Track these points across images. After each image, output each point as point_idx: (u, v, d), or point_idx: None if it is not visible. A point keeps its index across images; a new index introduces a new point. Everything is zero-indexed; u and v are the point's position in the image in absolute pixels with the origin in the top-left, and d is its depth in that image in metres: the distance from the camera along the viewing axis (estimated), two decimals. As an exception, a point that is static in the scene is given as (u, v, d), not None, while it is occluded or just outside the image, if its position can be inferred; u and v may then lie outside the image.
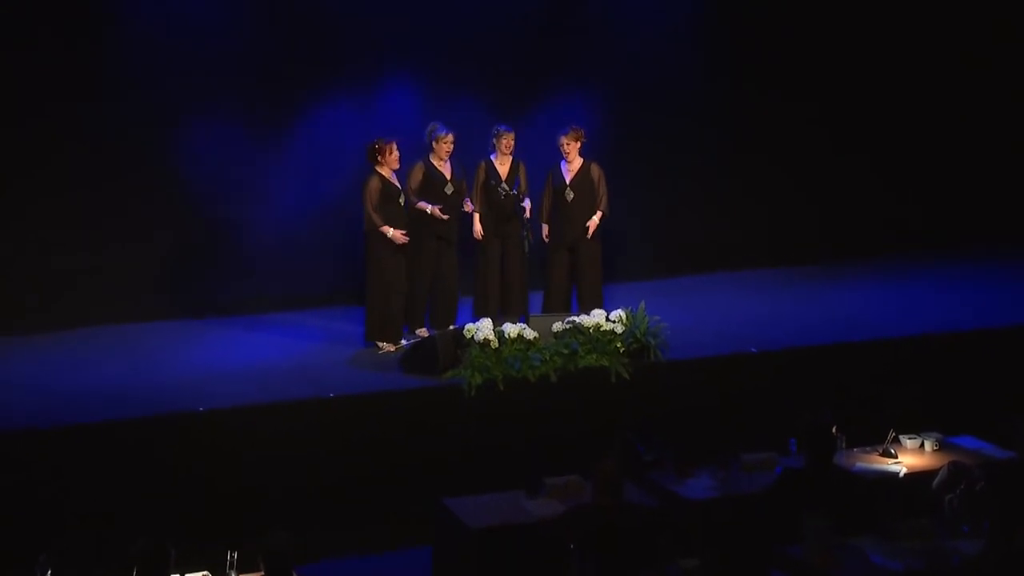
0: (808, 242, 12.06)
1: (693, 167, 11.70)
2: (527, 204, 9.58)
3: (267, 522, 6.69)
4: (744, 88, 11.73)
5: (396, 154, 9.27)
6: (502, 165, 9.83)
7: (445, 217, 9.47)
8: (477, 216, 9.82)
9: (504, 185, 9.67)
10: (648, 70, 11.47)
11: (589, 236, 9.74)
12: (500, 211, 9.78)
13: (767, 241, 11.97)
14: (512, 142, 9.76)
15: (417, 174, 9.60)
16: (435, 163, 9.63)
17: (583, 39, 11.29)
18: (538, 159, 10.00)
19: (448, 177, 9.65)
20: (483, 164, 9.86)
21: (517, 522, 6.88)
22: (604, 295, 9.86)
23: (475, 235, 9.82)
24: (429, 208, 9.42)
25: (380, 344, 9.35)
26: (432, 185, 9.61)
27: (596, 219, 9.75)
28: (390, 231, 9.19)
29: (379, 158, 9.24)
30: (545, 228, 9.90)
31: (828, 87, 12.01)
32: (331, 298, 10.69)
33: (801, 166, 12.06)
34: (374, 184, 9.21)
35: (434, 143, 9.58)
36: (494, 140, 9.80)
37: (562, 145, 9.73)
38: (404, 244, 9.28)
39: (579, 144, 9.75)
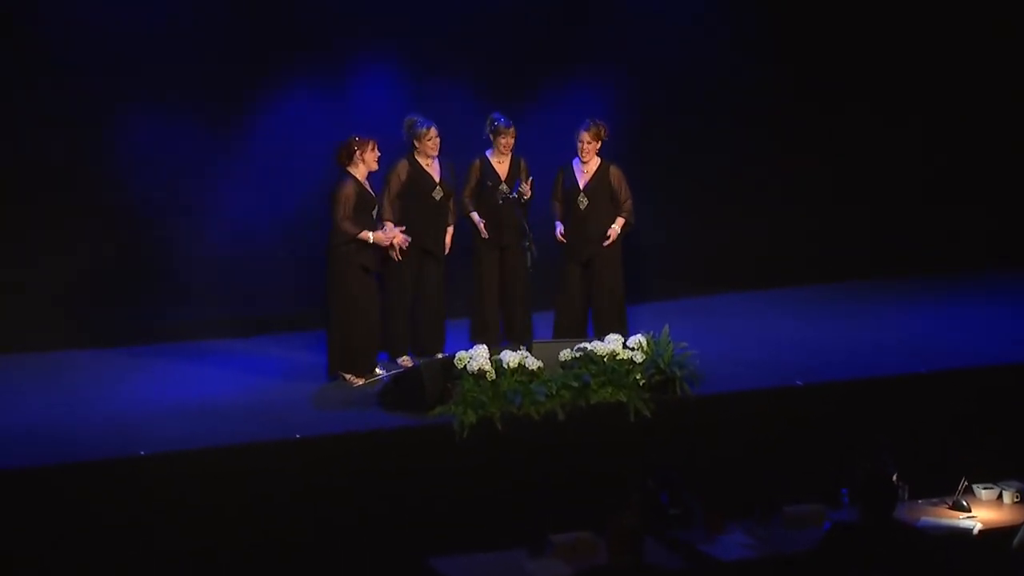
0: (860, 255, 12.14)
1: (726, 170, 11.79)
2: (524, 187, 9.56)
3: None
4: (787, 81, 11.84)
5: (376, 154, 9.31)
6: (500, 163, 9.88)
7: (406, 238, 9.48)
8: (476, 215, 9.86)
9: (504, 187, 9.72)
10: (674, 55, 11.55)
11: (608, 244, 9.78)
12: (498, 218, 9.84)
13: (813, 255, 12.05)
14: (510, 141, 9.81)
15: (401, 174, 9.65)
16: (421, 162, 9.69)
17: (596, 16, 11.38)
18: (538, 157, 10.07)
19: (437, 180, 9.70)
20: (478, 163, 9.90)
21: (517, 587, 6.87)
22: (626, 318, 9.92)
23: (481, 234, 9.83)
24: (372, 236, 9.44)
25: (347, 377, 9.39)
26: (417, 189, 9.65)
27: (618, 226, 9.80)
28: (371, 236, 9.21)
29: (354, 159, 9.27)
30: (560, 228, 9.94)
31: (885, 83, 12.12)
32: (294, 323, 10.73)
33: (851, 170, 12.15)
34: (348, 190, 9.21)
35: (416, 141, 9.64)
36: (491, 135, 9.85)
37: (581, 142, 9.77)
38: (375, 260, 9.29)
39: (599, 143, 9.80)
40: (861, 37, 12.05)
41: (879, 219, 12.27)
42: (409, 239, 9.37)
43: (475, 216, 9.85)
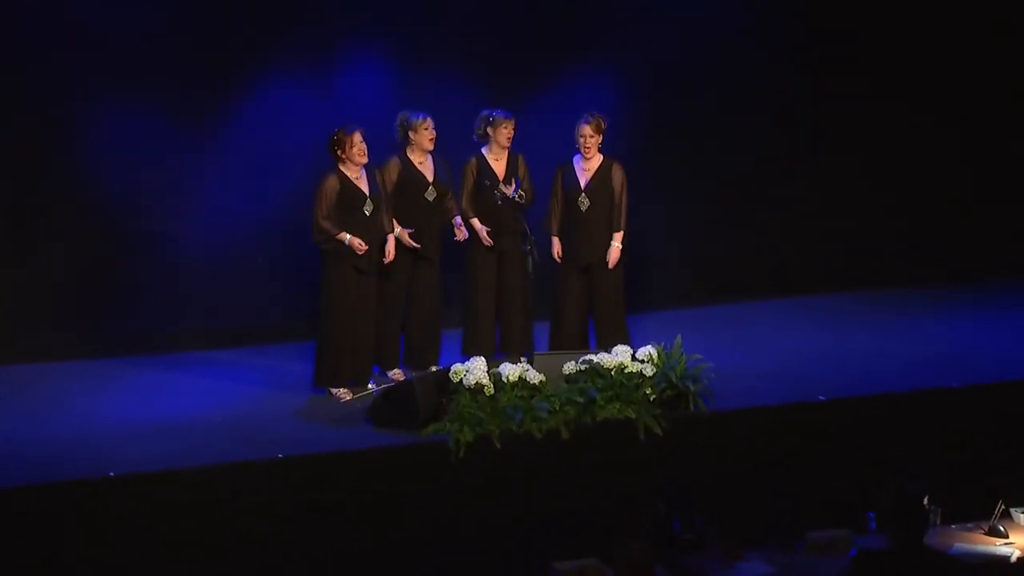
0: (889, 261, 12.15)
1: (742, 168, 11.80)
2: (515, 188, 9.59)
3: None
4: (812, 72, 11.85)
5: (360, 146, 9.30)
6: (498, 161, 9.89)
7: (416, 245, 9.52)
8: (477, 220, 9.86)
9: (502, 186, 9.71)
10: (686, 43, 11.56)
11: (610, 265, 9.79)
12: (496, 220, 9.84)
13: (838, 260, 12.06)
14: (511, 132, 9.82)
15: (392, 173, 9.65)
16: (413, 160, 9.69)
17: (599, 1, 11.38)
18: (537, 155, 10.07)
19: (430, 179, 9.70)
20: (474, 160, 9.90)
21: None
22: (630, 327, 9.90)
23: (483, 240, 9.83)
24: (398, 230, 9.51)
25: (333, 391, 9.39)
26: (409, 189, 9.66)
27: (616, 244, 9.78)
28: (347, 238, 9.23)
29: (339, 154, 9.28)
30: (556, 243, 9.95)
31: (919, 77, 12.13)
32: (278, 333, 10.74)
33: (880, 169, 12.15)
34: (330, 185, 9.24)
35: (412, 133, 9.64)
36: (488, 130, 9.85)
37: (583, 137, 9.75)
38: (368, 261, 9.30)
39: (600, 136, 9.80)
40: (901, 27, 12.04)
41: (911, 222, 12.28)
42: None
43: (476, 223, 9.84)
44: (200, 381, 9.93)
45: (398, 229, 9.54)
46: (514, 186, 9.72)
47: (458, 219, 9.82)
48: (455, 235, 9.81)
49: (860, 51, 11.97)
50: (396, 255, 9.57)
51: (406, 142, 9.67)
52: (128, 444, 8.58)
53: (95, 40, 10.29)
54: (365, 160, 9.34)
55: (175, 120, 10.58)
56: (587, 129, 9.71)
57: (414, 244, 9.58)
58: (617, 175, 9.82)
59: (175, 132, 10.60)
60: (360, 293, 9.36)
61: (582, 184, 9.81)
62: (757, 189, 11.89)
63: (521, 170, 9.86)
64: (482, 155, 9.90)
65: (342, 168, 9.29)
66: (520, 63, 11.15)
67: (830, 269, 12.05)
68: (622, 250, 9.81)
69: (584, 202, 9.81)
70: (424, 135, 9.60)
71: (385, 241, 9.47)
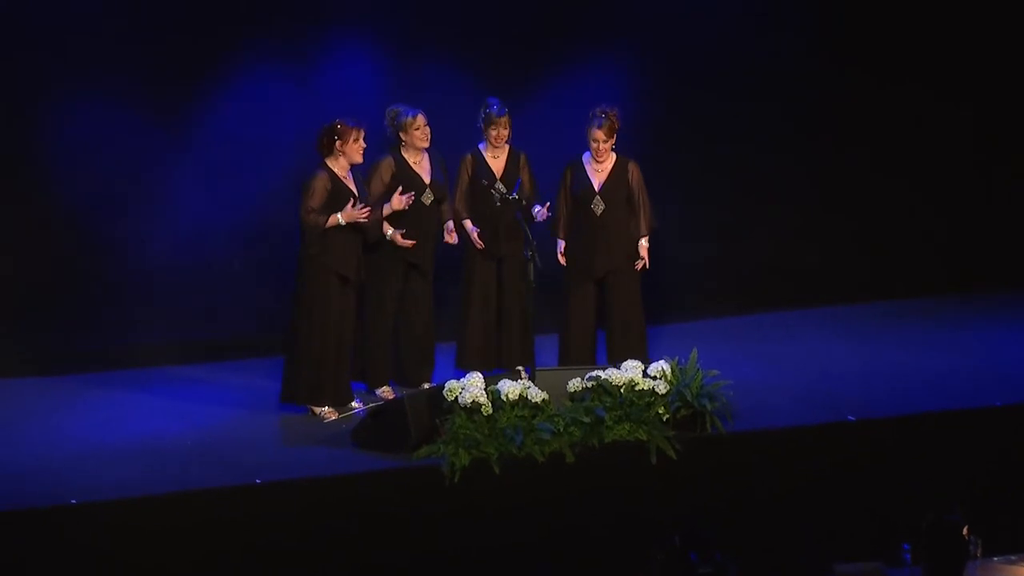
0: (925, 268, 12.15)
1: (767, 167, 11.81)
2: (539, 209, 9.65)
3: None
4: (847, 58, 11.84)
5: (360, 145, 9.31)
6: (496, 159, 9.90)
7: (409, 243, 9.55)
8: (469, 222, 9.88)
9: (500, 186, 9.72)
10: (704, 30, 11.56)
11: (640, 267, 9.79)
12: (495, 223, 9.85)
13: (869, 267, 12.07)
14: (505, 132, 9.82)
15: (385, 173, 9.64)
16: (408, 159, 9.69)
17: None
18: (543, 150, 10.08)
19: (427, 181, 9.70)
20: (469, 158, 9.92)
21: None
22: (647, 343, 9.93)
23: (475, 244, 9.85)
24: (390, 232, 9.52)
25: (316, 410, 9.39)
26: (405, 189, 9.60)
27: (645, 244, 9.80)
28: (340, 217, 9.16)
29: (335, 147, 9.26)
30: (561, 246, 9.96)
31: (969, 66, 12.10)
32: (256, 347, 10.74)
33: (916, 169, 12.14)
34: (320, 183, 9.22)
35: (402, 133, 9.64)
36: (482, 125, 9.87)
37: (596, 142, 9.72)
38: (357, 269, 9.31)
39: (614, 138, 9.78)
40: (944, 9, 12.03)
41: (949, 226, 12.28)
42: (412, 197, 9.38)
43: (468, 224, 9.85)
44: (170, 400, 9.92)
45: (390, 231, 9.53)
46: (514, 186, 9.71)
47: (450, 223, 9.83)
48: (444, 238, 9.82)
49: (903, 35, 11.94)
50: (387, 263, 9.57)
51: (399, 140, 9.67)
52: (91, 469, 8.56)
53: (55, 26, 10.29)
54: (361, 160, 9.35)
55: (143, 113, 10.57)
56: (600, 133, 9.69)
57: (407, 243, 9.53)
58: (634, 174, 9.83)
59: (142, 126, 10.59)
60: (343, 305, 9.36)
61: (596, 186, 9.80)
62: (781, 189, 11.89)
63: (524, 170, 9.86)
64: (479, 151, 9.92)
65: (331, 164, 9.28)
66: (522, 50, 11.15)
67: (861, 276, 12.05)
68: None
69: (599, 206, 9.80)
70: (416, 135, 9.60)
71: (371, 248, 9.46)
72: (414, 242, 9.55)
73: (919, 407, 9.39)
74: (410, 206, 9.52)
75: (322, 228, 9.18)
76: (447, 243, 9.86)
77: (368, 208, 9.26)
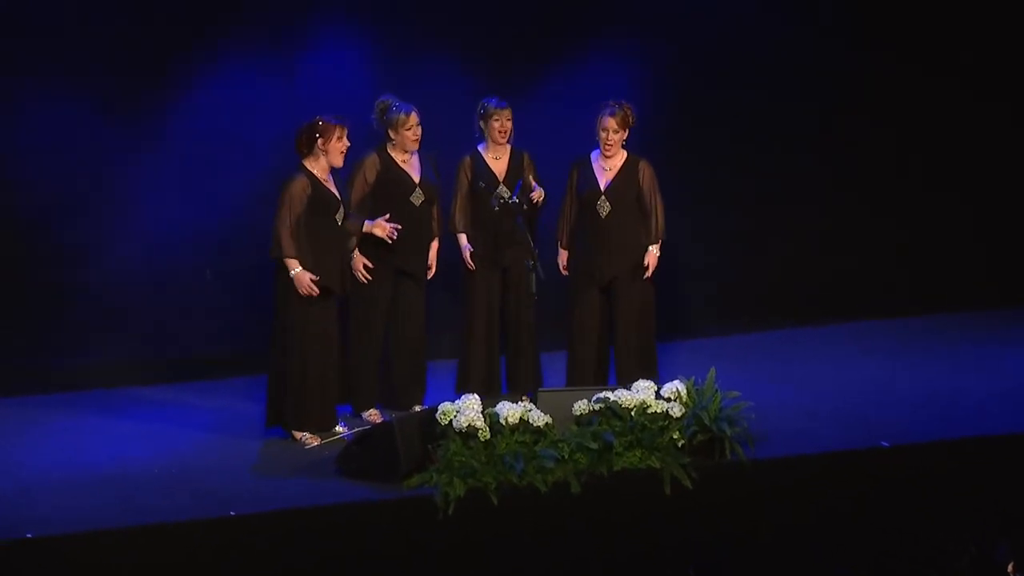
0: (967, 279, 12.19)
1: (792, 168, 11.85)
2: (538, 191, 9.70)
3: None
4: (881, 50, 11.89)
5: (342, 144, 9.33)
6: (497, 159, 9.94)
7: (393, 229, 9.53)
8: (464, 237, 9.93)
9: (502, 190, 9.75)
10: (723, 21, 11.62)
11: (647, 276, 9.84)
12: (495, 230, 9.89)
13: (905, 279, 12.11)
14: (508, 124, 9.87)
15: (369, 172, 9.67)
16: (396, 157, 9.72)
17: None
18: (548, 151, 10.11)
19: (416, 180, 9.74)
20: (468, 159, 9.96)
21: None
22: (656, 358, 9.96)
23: (466, 263, 9.90)
24: (378, 228, 9.54)
25: (297, 435, 9.42)
26: (391, 191, 9.67)
27: (655, 251, 9.85)
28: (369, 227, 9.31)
29: (316, 146, 9.27)
30: (563, 254, 10.00)
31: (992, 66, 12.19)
32: (233, 366, 10.78)
33: (955, 170, 12.19)
34: (299, 187, 9.23)
35: (391, 130, 9.67)
36: (481, 123, 9.91)
37: (605, 131, 9.77)
38: (341, 280, 9.35)
39: (627, 133, 9.84)
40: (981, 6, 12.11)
41: (994, 235, 12.32)
42: (393, 231, 9.43)
43: (463, 240, 9.88)
44: (133, 423, 9.93)
45: (367, 225, 9.51)
46: (515, 189, 9.73)
47: (463, 236, 9.87)
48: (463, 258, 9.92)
49: (942, 24, 11.99)
50: (375, 272, 9.60)
51: (387, 136, 9.70)
52: (48, 500, 8.55)
53: (9, 19, 10.31)
54: (341, 164, 9.36)
55: (102, 105, 10.60)
56: (612, 122, 9.73)
57: (392, 228, 9.49)
58: (646, 174, 9.87)
59: (102, 120, 10.62)
60: (326, 319, 9.39)
61: (601, 185, 9.85)
62: (807, 192, 11.94)
63: (527, 170, 9.90)
64: (478, 152, 9.96)
65: (309, 166, 9.30)
66: (525, 42, 11.21)
67: (896, 288, 12.09)
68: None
69: (604, 206, 9.84)
70: (407, 135, 9.62)
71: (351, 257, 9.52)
72: (392, 227, 9.50)
73: (959, 432, 9.40)
74: (398, 209, 9.56)
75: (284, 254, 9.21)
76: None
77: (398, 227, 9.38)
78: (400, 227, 9.42)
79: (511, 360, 10.04)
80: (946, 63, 12.01)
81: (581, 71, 11.18)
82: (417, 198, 9.72)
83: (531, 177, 9.85)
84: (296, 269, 9.18)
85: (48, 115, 10.47)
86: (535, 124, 10.18)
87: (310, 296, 9.22)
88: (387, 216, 9.45)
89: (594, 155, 9.90)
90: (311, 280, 9.17)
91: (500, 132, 9.84)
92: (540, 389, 9.28)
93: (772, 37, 11.74)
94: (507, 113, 9.84)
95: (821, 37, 11.82)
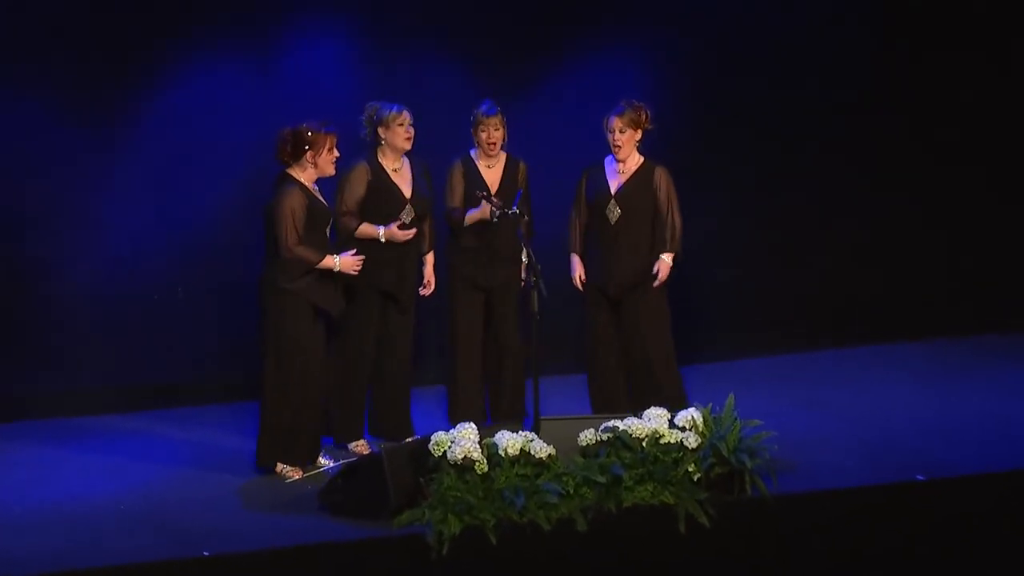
0: (1011, 298, 12.21)
1: (822, 175, 11.88)
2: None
3: None
4: (921, 44, 11.94)
5: (333, 155, 9.35)
6: (490, 168, 9.98)
7: (410, 234, 9.60)
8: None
9: (495, 200, 9.79)
10: (743, 15, 11.67)
11: (656, 284, 9.88)
12: (483, 247, 9.92)
13: (942, 297, 12.13)
14: (497, 134, 9.89)
15: (359, 185, 9.70)
16: (386, 165, 9.76)
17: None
18: (548, 152, 10.15)
19: (407, 194, 9.76)
20: (459, 165, 9.99)
21: None
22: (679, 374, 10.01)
23: (481, 215, 9.88)
24: (382, 232, 9.57)
25: (280, 469, 9.45)
26: (380, 207, 9.71)
27: (667, 260, 9.90)
28: (336, 262, 9.25)
29: (305, 158, 9.30)
30: (578, 265, 10.03)
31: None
32: (205, 393, 10.83)
33: (1002, 176, 12.23)
34: (297, 202, 9.23)
35: (382, 129, 9.70)
36: (472, 130, 9.95)
37: (612, 132, 9.84)
38: (341, 303, 9.40)
39: (639, 133, 9.88)
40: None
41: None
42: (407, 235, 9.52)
43: (370, 228, 9.71)
44: (103, 456, 9.96)
45: (381, 229, 9.57)
46: (514, 199, 9.75)
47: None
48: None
49: (991, 16, 12.05)
50: (362, 295, 9.64)
51: (376, 142, 9.74)
52: (8, 539, 8.57)
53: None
54: (333, 172, 9.39)
55: (65, 111, 10.66)
56: (618, 122, 9.79)
57: (407, 233, 9.58)
58: (662, 180, 9.92)
59: (66, 127, 10.69)
60: (316, 344, 9.42)
61: (612, 189, 9.91)
62: (838, 201, 11.96)
63: (522, 180, 9.96)
64: (470, 158, 9.99)
65: (297, 176, 9.32)
66: (524, 39, 11.27)
67: (936, 307, 12.11)
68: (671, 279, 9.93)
69: (614, 211, 9.90)
70: (398, 132, 9.66)
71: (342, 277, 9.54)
72: (415, 230, 9.63)
73: (1005, 464, 9.39)
74: (387, 222, 9.64)
75: (312, 264, 9.21)
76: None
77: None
78: (364, 257, 9.42)
79: (492, 388, 10.10)
80: (991, 58, 12.10)
81: (587, 71, 11.26)
82: (407, 215, 9.75)
83: (525, 189, 9.88)
84: (336, 260, 9.24)
85: (13, 122, 10.54)
86: (535, 125, 10.19)
87: (303, 322, 9.26)
88: (353, 251, 9.43)
89: (608, 160, 9.96)
90: (353, 256, 9.29)
91: (488, 143, 9.87)
92: (542, 418, 9.27)
93: (798, 30, 11.81)
94: (495, 121, 9.86)
95: (852, 29, 11.89)
